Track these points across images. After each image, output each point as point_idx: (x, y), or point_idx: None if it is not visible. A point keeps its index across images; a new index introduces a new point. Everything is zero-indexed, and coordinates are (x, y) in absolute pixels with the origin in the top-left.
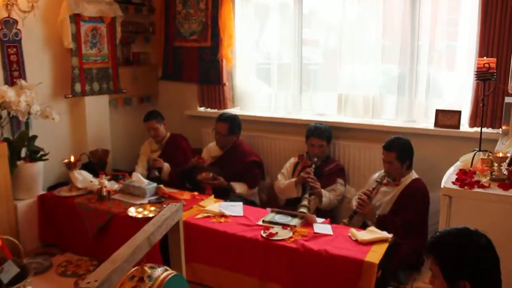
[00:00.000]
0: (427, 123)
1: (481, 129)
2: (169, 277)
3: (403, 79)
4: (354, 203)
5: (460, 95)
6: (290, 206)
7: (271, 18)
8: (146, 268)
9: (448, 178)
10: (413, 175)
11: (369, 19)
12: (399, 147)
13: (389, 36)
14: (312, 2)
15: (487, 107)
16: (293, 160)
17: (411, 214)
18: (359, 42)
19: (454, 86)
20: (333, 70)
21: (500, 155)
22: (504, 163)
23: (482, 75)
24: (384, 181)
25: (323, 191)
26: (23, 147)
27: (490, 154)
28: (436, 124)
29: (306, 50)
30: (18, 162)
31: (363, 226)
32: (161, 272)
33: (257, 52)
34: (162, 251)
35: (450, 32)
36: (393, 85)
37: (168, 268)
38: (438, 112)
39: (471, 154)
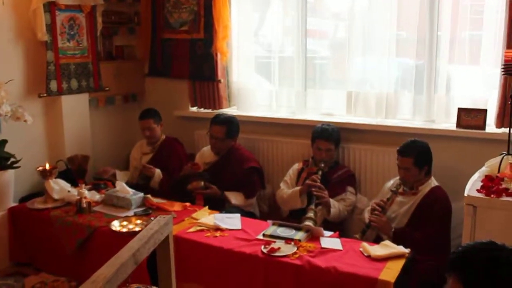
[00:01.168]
0: (448, 123)
1: (509, 130)
2: None
3: (420, 74)
4: (367, 215)
5: (485, 91)
6: (294, 218)
7: (271, 6)
8: None
9: (473, 186)
10: (433, 182)
11: (383, 7)
12: (416, 151)
13: (405, 26)
14: None
15: None
16: (297, 166)
17: (431, 227)
18: (371, 33)
19: (479, 81)
20: (342, 65)
21: None
22: None
23: (510, 69)
24: (400, 190)
25: (331, 200)
26: None
27: None
28: (458, 125)
29: (311, 42)
30: None
31: (377, 241)
32: None
33: (256, 44)
34: (150, 270)
35: (474, 20)
36: (409, 81)
37: None
38: (461, 111)
39: (499, 158)
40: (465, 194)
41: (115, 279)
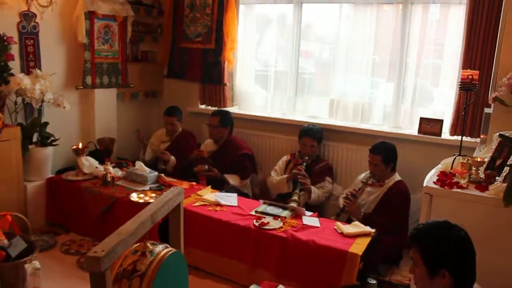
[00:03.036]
0: (411, 129)
1: (462, 134)
2: (170, 253)
3: (391, 90)
4: (341, 201)
5: (442, 106)
6: (280, 200)
7: (271, 29)
8: (148, 244)
9: (430, 179)
10: (397, 177)
11: (362, 35)
12: (384, 151)
13: (379, 51)
14: (310, 16)
15: (467, 117)
16: (285, 158)
17: (393, 214)
18: (351, 56)
19: (438, 98)
20: (326, 79)
21: (478, 159)
22: (482, 167)
23: (465, 86)
24: (369, 182)
25: (312, 187)
26: (35, 132)
27: (469, 158)
28: (419, 131)
29: (302, 61)
30: (30, 146)
31: (349, 222)
32: (162, 249)
33: (256, 60)
34: (161, 238)
35: (437, 51)
36: (381, 95)
37: (168, 246)
38: (422, 120)
39: (452, 158)
40: (424, 185)
41: (136, 233)
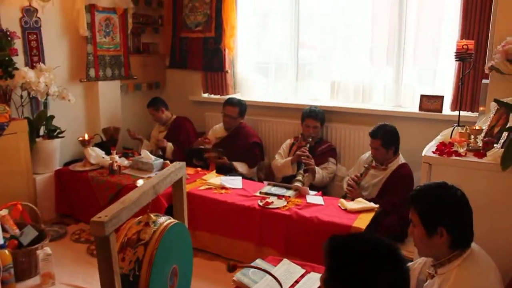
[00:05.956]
0: (413, 107)
1: (459, 106)
2: (172, 224)
3: (391, 67)
4: (345, 185)
5: (443, 83)
6: (285, 183)
7: (270, 22)
8: (151, 215)
9: (429, 149)
10: (400, 160)
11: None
12: (383, 134)
13: (378, 28)
14: (308, 7)
15: (466, 92)
16: (289, 141)
17: (396, 199)
18: (350, 44)
19: (439, 75)
20: (327, 63)
21: (476, 128)
22: (480, 135)
23: (461, 55)
24: (373, 164)
25: (316, 168)
26: (42, 125)
27: (467, 128)
28: (420, 108)
29: (303, 52)
30: (37, 139)
31: None
32: (165, 220)
33: (258, 52)
34: None
35: (434, 31)
36: (381, 73)
37: (171, 218)
38: (423, 97)
39: (451, 129)
40: (423, 155)
41: (138, 202)
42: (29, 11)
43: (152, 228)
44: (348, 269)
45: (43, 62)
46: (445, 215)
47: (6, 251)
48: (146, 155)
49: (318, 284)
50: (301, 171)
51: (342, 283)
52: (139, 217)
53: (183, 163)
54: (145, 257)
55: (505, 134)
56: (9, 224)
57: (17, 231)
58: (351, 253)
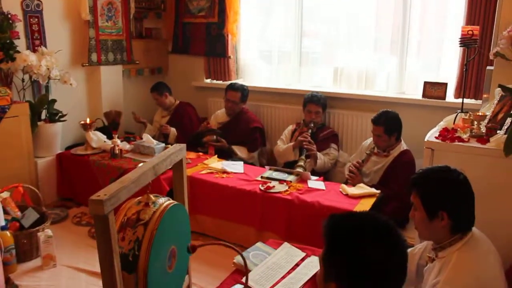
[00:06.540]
0: (416, 94)
1: (463, 92)
2: (172, 205)
3: (394, 54)
4: (346, 171)
5: (447, 70)
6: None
7: (274, 11)
8: (151, 196)
9: (432, 134)
10: (403, 146)
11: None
12: (386, 121)
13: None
14: None
15: (471, 79)
16: (291, 127)
17: (398, 186)
18: (354, 34)
19: (443, 62)
20: (330, 57)
21: (480, 114)
22: (483, 121)
23: (465, 41)
24: (375, 151)
25: (318, 153)
26: (43, 109)
27: (470, 114)
28: (424, 95)
29: (306, 41)
30: (39, 123)
31: None
32: (164, 201)
33: (260, 40)
34: None
35: (438, 23)
36: (385, 60)
37: (171, 199)
38: (426, 84)
39: (454, 115)
40: (425, 140)
41: (138, 182)
42: None
43: (152, 209)
44: (346, 244)
45: (45, 46)
46: (447, 199)
47: (8, 233)
48: (147, 139)
49: (318, 267)
50: (303, 157)
51: (340, 259)
52: (139, 197)
53: (184, 145)
54: (145, 237)
55: (508, 120)
56: (11, 206)
57: (18, 213)
58: (348, 229)
